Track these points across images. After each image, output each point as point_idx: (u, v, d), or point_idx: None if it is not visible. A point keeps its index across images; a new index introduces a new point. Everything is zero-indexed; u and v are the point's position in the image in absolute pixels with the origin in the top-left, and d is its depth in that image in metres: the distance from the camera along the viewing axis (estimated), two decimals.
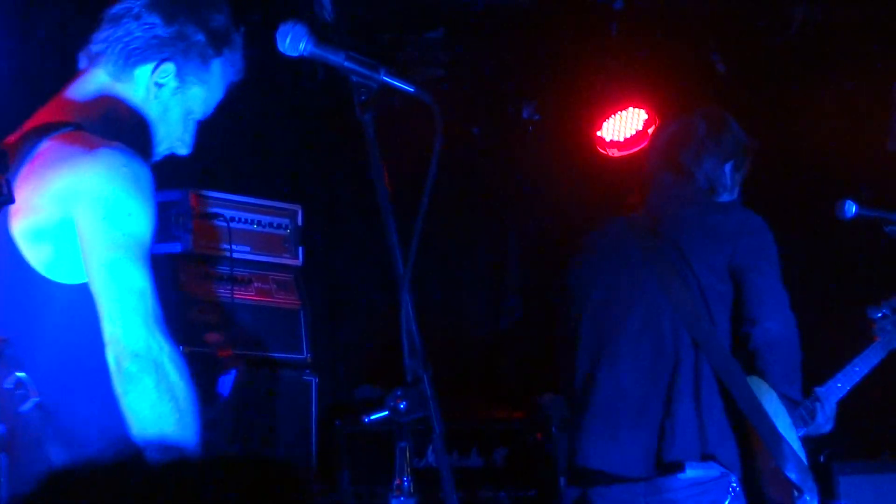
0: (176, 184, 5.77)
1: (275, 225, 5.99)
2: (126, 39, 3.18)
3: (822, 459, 6.29)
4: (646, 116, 7.42)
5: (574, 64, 7.42)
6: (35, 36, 5.69)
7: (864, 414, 7.18)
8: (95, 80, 3.20)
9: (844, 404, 5.17)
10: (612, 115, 7.48)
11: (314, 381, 6.00)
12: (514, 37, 7.34)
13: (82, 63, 3.25)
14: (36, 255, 2.96)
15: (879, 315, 5.17)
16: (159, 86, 3.21)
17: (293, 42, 2.97)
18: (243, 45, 3.35)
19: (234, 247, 5.72)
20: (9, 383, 2.88)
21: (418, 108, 2.97)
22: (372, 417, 2.89)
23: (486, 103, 7.74)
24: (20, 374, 2.88)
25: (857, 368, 5.15)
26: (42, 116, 3.13)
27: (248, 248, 5.88)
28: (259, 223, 5.93)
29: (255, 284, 5.89)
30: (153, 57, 3.19)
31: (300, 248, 6.07)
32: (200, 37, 3.23)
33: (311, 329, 6.06)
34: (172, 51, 3.20)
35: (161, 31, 3.19)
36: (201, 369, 5.54)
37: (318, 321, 6.49)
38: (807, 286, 4.84)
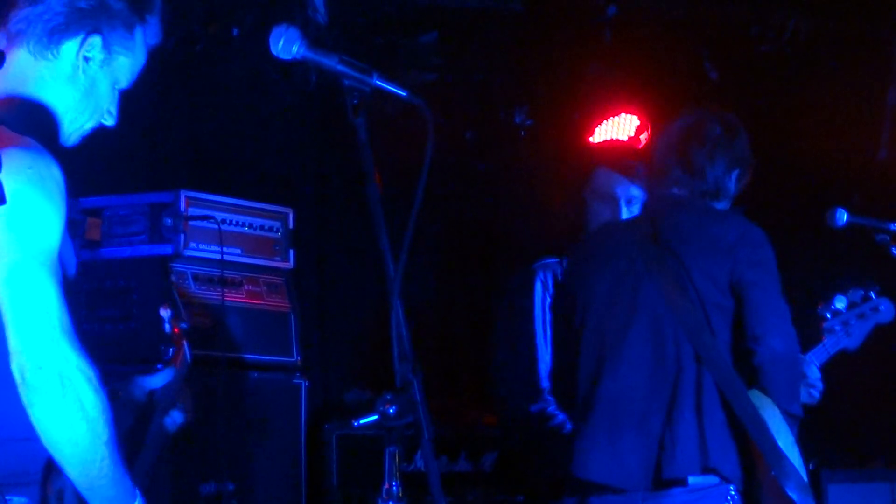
0: (167, 185, 5.77)
1: (266, 228, 5.99)
2: (47, 16, 3.07)
3: (811, 468, 6.30)
4: (638, 122, 7.43)
5: (567, 69, 7.43)
6: None
7: (852, 423, 7.20)
8: (17, 61, 3.08)
9: (834, 413, 5.15)
10: (605, 121, 7.49)
11: (304, 384, 6.00)
12: (507, 42, 7.35)
13: (1, 43, 3.13)
14: None
15: (830, 312, 4.96)
16: (87, 59, 3.10)
17: (286, 45, 2.97)
18: (161, 7, 3.23)
19: (224, 249, 5.72)
20: None
21: (410, 111, 2.97)
22: (361, 422, 2.89)
23: (478, 108, 7.74)
24: None
25: None
26: None
27: (239, 251, 5.87)
28: (250, 226, 5.93)
29: (246, 287, 5.89)
30: (78, 31, 3.08)
31: (291, 251, 6.07)
32: (122, 5, 3.13)
33: (302, 332, 6.06)
34: (96, 22, 3.09)
35: (83, 3, 3.08)
36: (196, 371, 5.54)
37: (309, 324, 6.48)
38: (798, 294, 4.83)
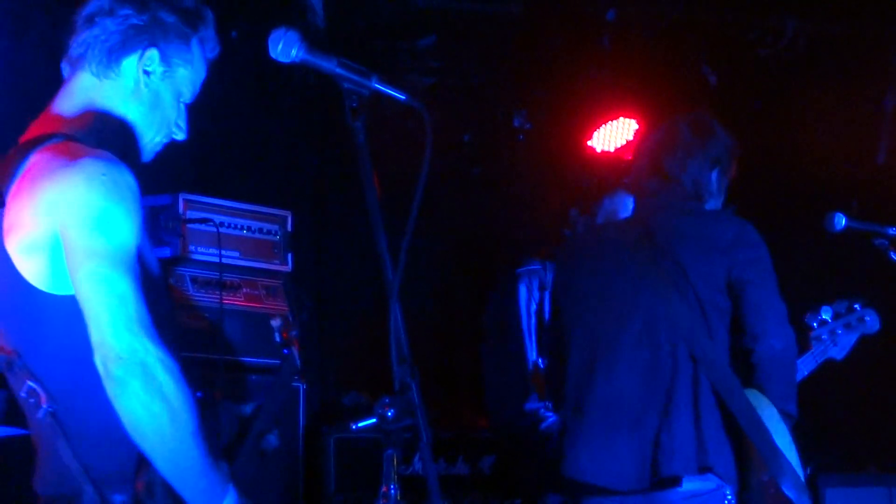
0: (165, 188, 5.77)
1: (264, 230, 5.99)
2: (104, 37, 3.19)
3: (807, 472, 6.31)
4: (636, 126, 7.43)
5: (565, 73, 7.43)
6: (28, 36, 5.69)
7: (848, 427, 7.20)
8: (81, 84, 3.21)
9: (830, 418, 5.15)
10: (603, 125, 7.49)
11: (302, 387, 6.00)
12: (506, 45, 7.35)
13: (65, 71, 3.26)
14: (31, 270, 2.98)
15: (817, 322, 5.02)
16: (147, 73, 3.22)
17: (285, 48, 2.97)
18: (214, 21, 3.34)
19: (223, 252, 5.72)
20: (23, 392, 2.99)
21: (409, 115, 2.97)
22: (359, 425, 2.89)
23: (476, 111, 7.75)
24: (31, 384, 2.99)
25: None
26: (33, 130, 3.15)
27: (237, 254, 5.87)
28: (248, 228, 5.93)
29: (244, 290, 5.89)
30: (136, 46, 3.20)
31: (289, 254, 6.07)
32: (174, 18, 3.24)
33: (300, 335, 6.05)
34: (152, 36, 3.21)
35: (136, 20, 3.20)
36: (194, 374, 5.54)
37: (307, 327, 6.48)
38: (797, 298, 4.83)
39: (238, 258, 5.88)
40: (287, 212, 6.10)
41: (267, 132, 7.16)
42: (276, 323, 3.97)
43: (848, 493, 6.42)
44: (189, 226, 5.66)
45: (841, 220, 4.83)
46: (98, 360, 2.86)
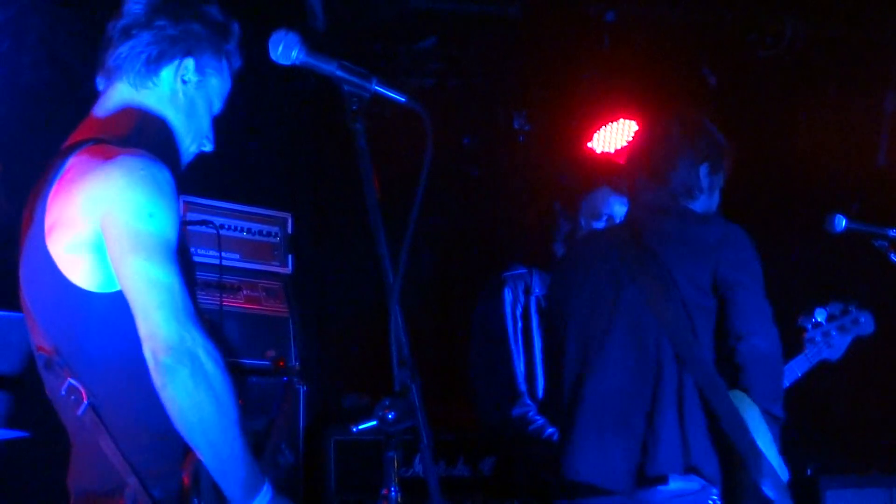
0: None
1: (264, 233, 5.99)
2: (139, 49, 3.27)
3: (809, 473, 6.31)
4: (636, 128, 7.43)
5: (565, 74, 7.43)
6: (27, 37, 5.69)
7: (850, 429, 7.20)
8: (118, 94, 3.28)
9: (831, 419, 5.14)
10: (603, 126, 7.49)
11: (302, 389, 5.99)
12: (506, 47, 7.35)
13: (100, 84, 3.33)
14: (75, 269, 3.03)
15: (811, 324, 5.04)
16: (184, 82, 3.31)
17: (285, 50, 2.98)
18: (239, 34, 3.44)
19: (223, 254, 5.72)
20: (63, 391, 3.04)
21: (409, 117, 2.98)
22: (360, 427, 2.89)
23: (476, 113, 7.75)
24: (72, 381, 3.04)
25: None
26: (72, 137, 3.21)
27: (237, 256, 5.88)
28: (249, 231, 5.93)
29: (244, 292, 5.89)
30: (173, 56, 3.29)
31: (290, 256, 6.07)
32: (206, 30, 3.33)
33: (300, 337, 6.06)
34: (188, 46, 3.30)
35: (172, 31, 3.28)
36: None
37: (307, 329, 6.48)
38: (797, 299, 4.83)
39: (238, 260, 5.88)
40: (287, 213, 6.11)
41: (267, 134, 7.16)
42: (271, 354, 4.05)
43: (849, 494, 6.41)
44: (189, 228, 5.66)
45: (841, 222, 4.83)
46: (147, 351, 2.91)
